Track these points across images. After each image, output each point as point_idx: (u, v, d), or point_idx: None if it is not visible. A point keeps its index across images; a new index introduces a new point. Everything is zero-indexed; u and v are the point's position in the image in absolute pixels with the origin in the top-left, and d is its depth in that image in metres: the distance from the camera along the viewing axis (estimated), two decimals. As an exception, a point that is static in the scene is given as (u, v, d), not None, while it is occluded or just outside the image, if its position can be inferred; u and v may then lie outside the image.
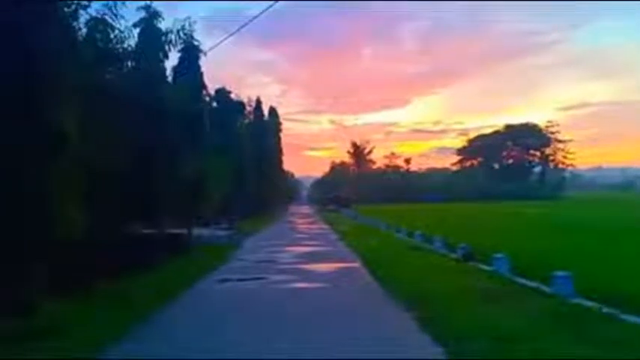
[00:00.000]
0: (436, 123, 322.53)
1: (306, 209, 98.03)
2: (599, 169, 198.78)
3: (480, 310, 8.86)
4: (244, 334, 8.22)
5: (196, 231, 23.34)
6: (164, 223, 18.52)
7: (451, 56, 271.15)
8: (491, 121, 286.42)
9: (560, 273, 10.25)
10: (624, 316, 8.08)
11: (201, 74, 22.68)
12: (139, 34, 17.66)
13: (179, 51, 21.67)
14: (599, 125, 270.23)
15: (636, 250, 15.11)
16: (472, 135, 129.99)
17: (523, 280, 11.81)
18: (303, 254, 20.46)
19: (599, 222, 28.76)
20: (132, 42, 16.42)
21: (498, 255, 13.57)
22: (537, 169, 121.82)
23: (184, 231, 21.03)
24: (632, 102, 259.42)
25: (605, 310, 8.51)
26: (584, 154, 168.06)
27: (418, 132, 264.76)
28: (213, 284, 13.49)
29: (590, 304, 9.02)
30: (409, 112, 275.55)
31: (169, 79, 20.80)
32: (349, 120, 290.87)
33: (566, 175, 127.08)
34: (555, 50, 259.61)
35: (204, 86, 23.44)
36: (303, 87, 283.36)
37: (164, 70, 19.26)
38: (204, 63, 22.70)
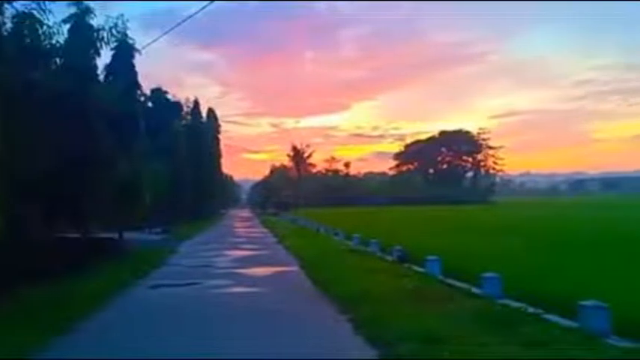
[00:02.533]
0: (374, 128, 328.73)
1: (245, 213, 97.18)
2: (528, 174, 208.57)
3: (413, 312, 9.00)
4: (172, 343, 7.94)
5: (129, 235, 22.59)
6: (94, 227, 17.81)
7: (389, 63, 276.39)
8: (427, 128, 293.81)
9: (489, 274, 10.61)
10: (548, 316, 8.43)
11: (135, 73, 22.03)
12: (69, 31, 16.95)
13: (112, 49, 20.96)
14: (528, 133, 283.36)
15: (558, 251, 15.86)
16: (409, 140, 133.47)
17: (454, 282, 12.14)
18: (240, 258, 20.21)
19: (526, 224, 30.05)
20: (61, 39, 15.76)
21: (431, 257, 13.91)
22: (469, 174, 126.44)
23: (115, 235, 20.29)
24: (558, 111, 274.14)
25: (530, 310, 8.86)
26: (513, 160, 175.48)
27: (357, 136, 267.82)
28: (145, 290, 13.06)
29: (517, 304, 9.37)
30: (349, 116, 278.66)
31: (101, 77, 20.07)
32: (289, 123, 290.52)
33: (497, 180, 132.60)
34: (486, 60, 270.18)
35: (138, 86, 22.75)
36: (243, 89, 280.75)
37: (95, 68, 18.55)
38: (140, 62, 22.09)
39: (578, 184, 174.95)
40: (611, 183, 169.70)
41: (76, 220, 16.47)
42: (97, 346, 7.82)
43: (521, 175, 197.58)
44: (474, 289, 10.83)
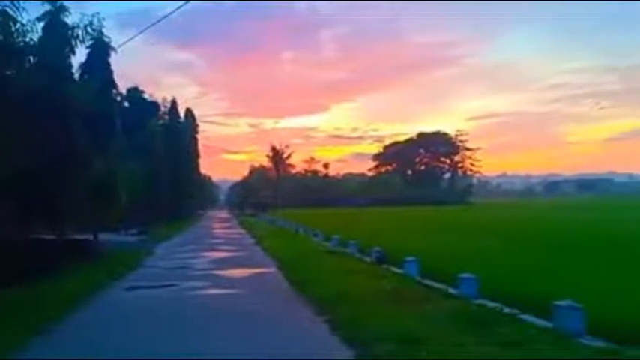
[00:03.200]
0: (354, 129, 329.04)
1: (223, 214, 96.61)
2: (504, 175, 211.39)
3: (390, 313, 9.03)
4: (147, 344, 7.83)
5: (104, 236, 22.25)
6: (69, 228, 17.50)
7: (368, 64, 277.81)
8: (406, 129, 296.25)
9: (465, 275, 10.70)
10: (524, 316, 8.53)
11: (111, 72, 21.75)
12: (44, 29, 16.67)
13: (87, 47, 20.66)
14: (504, 135, 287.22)
15: (535, 252, 16.08)
16: (387, 142, 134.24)
17: (432, 282, 12.22)
18: (217, 260, 20.07)
19: (503, 225, 30.42)
20: (35, 37, 15.46)
21: (409, 258, 13.98)
22: (447, 175, 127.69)
23: (90, 236, 19.97)
24: (533, 113, 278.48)
25: (506, 310, 8.96)
26: (490, 162, 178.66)
27: (336, 138, 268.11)
28: (120, 292, 12.88)
29: (493, 304, 9.47)
30: (328, 117, 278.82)
31: (76, 76, 19.76)
32: (268, 124, 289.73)
33: (474, 181, 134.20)
34: (463, 63, 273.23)
35: (114, 85, 22.46)
36: (222, 89, 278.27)
37: (70, 66, 18.27)
38: (117, 61, 21.82)
39: (553, 185, 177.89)
40: (585, 185, 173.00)
41: (50, 220, 16.16)
42: (73, 347, 7.69)
43: (498, 176, 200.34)
44: (451, 290, 10.91)
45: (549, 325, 7.76)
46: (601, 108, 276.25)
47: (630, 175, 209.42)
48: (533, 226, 28.94)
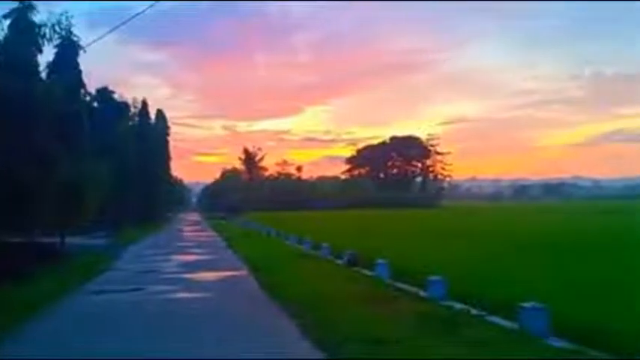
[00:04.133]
0: (327, 132, 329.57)
1: (194, 216, 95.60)
2: (474, 179, 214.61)
3: (361, 315, 9.09)
4: (112, 350, 7.68)
5: (72, 239, 21.81)
6: (35, 231, 17.09)
7: (342, 68, 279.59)
8: (379, 133, 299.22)
9: (434, 277, 10.84)
10: (491, 318, 8.68)
11: (80, 72, 21.45)
12: (9, 27, 16.33)
13: (55, 46, 20.30)
14: (474, 139, 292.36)
15: (504, 254, 16.37)
16: (360, 145, 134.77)
17: (402, 285, 12.33)
18: (187, 263, 19.85)
19: (472, 228, 30.89)
20: (0, 35, 15.12)
21: (380, 261, 14.08)
22: (419, 179, 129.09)
23: (57, 240, 19.54)
24: (502, 119, 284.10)
25: (473, 312, 9.11)
26: (460, 165, 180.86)
27: (310, 140, 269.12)
28: (87, 296, 12.61)
29: (461, 306, 9.61)
30: (301, 120, 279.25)
31: (43, 75, 19.37)
32: (242, 126, 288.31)
33: (445, 185, 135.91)
34: (435, 69, 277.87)
35: (83, 85, 22.10)
36: (195, 91, 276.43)
37: (37, 65, 17.90)
38: (87, 61, 21.55)
39: (521, 189, 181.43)
40: (551, 189, 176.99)
41: (15, 223, 15.76)
42: (36, 352, 7.51)
43: (468, 180, 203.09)
44: (421, 292, 11.03)
45: (515, 326, 7.92)
46: (569, 114, 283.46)
47: (595, 180, 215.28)
48: (502, 229, 29.43)
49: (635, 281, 10.72)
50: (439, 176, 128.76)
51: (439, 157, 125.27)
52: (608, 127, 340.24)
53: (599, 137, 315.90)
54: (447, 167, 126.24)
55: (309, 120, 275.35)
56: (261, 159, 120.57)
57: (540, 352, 6.69)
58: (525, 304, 7.82)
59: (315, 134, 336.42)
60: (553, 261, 14.32)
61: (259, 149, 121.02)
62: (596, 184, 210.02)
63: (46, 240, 18.38)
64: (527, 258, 15.11)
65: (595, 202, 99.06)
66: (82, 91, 22.80)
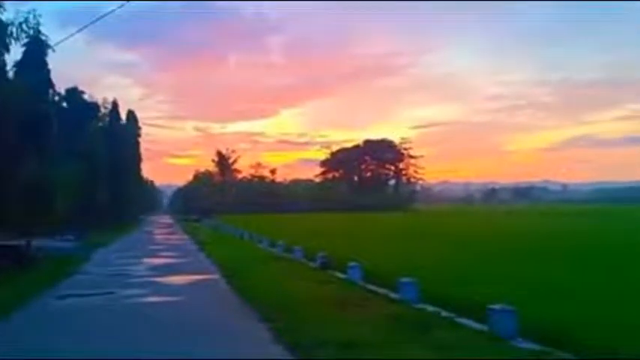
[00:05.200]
0: (301, 135, 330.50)
1: (166, 219, 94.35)
2: (446, 183, 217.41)
3: (333, 318, 9.09)
4: (77, 355, 7.50)
5: (38, 242, 21.24)
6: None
7: (316, 71, 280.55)
8: (353, 136, 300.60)
9: (406, 280, 10.88)
10: (461, 320, 8.76)
11: (48, 71, 20.96)
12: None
13: (23, 45, 19.84)
14: (446, 143, 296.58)
15: (473, 256, 16.59)
16: (334, 148, 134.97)
17: (374, 287, 12.36)
18: (158, 266, 19.55)
19: (444, 230, 31.25)
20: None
21: (352, 264, 14.10)
22: (392, 182, 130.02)
23: (23, 242, 19.02)
24: (473, 123, 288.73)
25: (444, 314, 9.18)
26: (432, 169, 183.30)
27: (284, 143, 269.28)
28: (52, 300, 12.28)
29: (432, 308, 9.67)
30: (275, 122, 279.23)
31: (10, 74, 18.90)
32: (215, 128, 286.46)
33: (417, 188, 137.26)
34: (408, 73, 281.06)
35: (51, 84, 21.63)
36: (167, 91, 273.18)
37: (4, 64, 17.46)
38: (57, 61, 21.20)
39: (491, 192, 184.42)
40: (521, 192, 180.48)
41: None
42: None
43: (440, 183, 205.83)
44: (393, 295, 11.07)
45: (485, 328, 8.00)
46: (538, 119, 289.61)
47: (563, 184, 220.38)
48: (472, 232, 29.82)
49: (594, 281, 11.01)
50: (412, 179, 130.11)
51: (412, 161, 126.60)
52: (575, 132, 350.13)
53: (567, 142, 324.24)
54: (419, 171, 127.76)
55: (284, 122, 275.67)
56: (235, 161, 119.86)
57: (508, 353, 6.78)
58: (495, 306, 7.91)
59: (290, 137, 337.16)
60: (522, 263, 14.54)
61: (233, 151, 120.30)
62: (565, 187, 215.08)
63: (10, 243, 17.85)
64: (497, 261, 15.32)
65: (563, 206, 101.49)
66: (51, 91, 22.34)
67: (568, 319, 7.69)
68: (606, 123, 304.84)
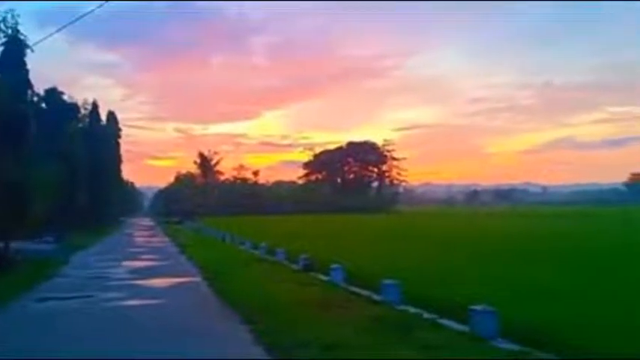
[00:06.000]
0: (284, 137, 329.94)
1: (147, 221, 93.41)
2: (428, 184, 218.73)
3: (315, 319, 9.07)
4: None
5: (16, 245, 20.89)
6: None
7: (299, 73, 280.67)
8: (336, 138, 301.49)
9: (388, 281, 10.90)
10: (443, 321, 8.81)
11: (27, 71, 20.60)
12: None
13: (1, 45, 19.50)
14: (428, 145, 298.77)
15: (456, 257, 16.70)
16: (317, 150, 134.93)
17: (357, 289, 12.36)
18: (138, 269, 19.34)
19: (426, 232, 31.42)
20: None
21: (335, 265, 14.10)
22: (375, 184, 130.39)
23: (0, 245, 18.69)
24: (456, 125, 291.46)
25: (426, 315, 9.21)
26: (415, 171, 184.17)
27: (266, 145, 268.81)
28: (30, 304, 12.08)
29: (414, 310, 9.70)
30: (258, 124, 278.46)
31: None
32: (197, 129, 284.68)
33: (400, 190, 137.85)
34: (391, 75, 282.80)
35: (30, 85, 21.27)
36: (148, 92, 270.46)
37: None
38: (35, 61, 20.71)
39: (473, 194, 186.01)
40: (502, 194, 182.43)
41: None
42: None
43: (422, 185, 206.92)
44: (375, 296, 11.08)
45: (466, 328, 8.05)
46: (519, 122, 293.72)
47: (544, 186, 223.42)
48: (455, 234, 30.03)
49: (576, 282, 11.15)
50: (395, 181, 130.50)
51: (395, 163, 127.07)
52: (556, 134, 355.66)
53: (548, 145, 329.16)
54: (402, 172, 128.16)
55: (267, 124, 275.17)
56: (217, 163, 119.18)
57: (489, 353, 6.84)
58: (476, 307, 7.96)
59: (272, 139, 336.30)
60: (503, 265, 14.67)
61: (215, 153, 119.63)
62: (545, 190, 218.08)
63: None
64: (478, 262, 15.44)
65: (543, 208, 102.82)
66: (30, 91, 21.94)
67: (549, 320, 7.76)
68: (586, 126, 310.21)
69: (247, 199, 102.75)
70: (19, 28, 19.41)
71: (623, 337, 6.82)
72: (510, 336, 7.53)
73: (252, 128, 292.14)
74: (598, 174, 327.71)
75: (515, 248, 19.59)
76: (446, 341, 7.44)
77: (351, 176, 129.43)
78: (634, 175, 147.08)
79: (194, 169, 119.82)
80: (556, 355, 6.75)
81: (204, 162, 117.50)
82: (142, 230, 57.85)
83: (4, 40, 19.44)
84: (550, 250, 18.78)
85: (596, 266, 14.05)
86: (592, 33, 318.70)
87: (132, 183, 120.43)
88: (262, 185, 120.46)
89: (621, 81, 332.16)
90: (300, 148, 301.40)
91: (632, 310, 8.37)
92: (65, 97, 38.87)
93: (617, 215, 53.68)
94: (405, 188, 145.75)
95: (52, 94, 36.04)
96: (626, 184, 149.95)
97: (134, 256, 24.84)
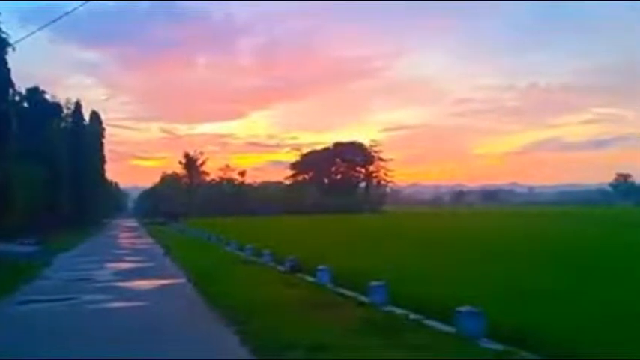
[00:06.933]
0: (271, 137, 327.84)
1: (131, 222, 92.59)
2: (415, 185, 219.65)
3: (301, 321, 9.02)
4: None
5: (-4, 247, 20.57)
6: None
7: (286, 73, 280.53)
8: (323, 139, 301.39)
9: (375, 283, 10.86)
10: (429, 322, 8.78)
11: (8, 70, 20.27)
12: None
13: (-19, 42, 19.16)
14: (415, 146, 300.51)
15: (441, 257, 16.69)
16: (305, 151, 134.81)
17: (344, 290, 12.30)
18: (122, 271, 19.12)
19: (412, 232, 31.49)
20: None
21: (321, 267, 14.02)
22: (362, 184, 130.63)
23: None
24: (442, 127, 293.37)
25: (412, 316, 9.18)
26: (402, 172, 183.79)
27: (253, 145, 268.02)
28: (12, 306, 11.87)
29: (401, 311, 9.66)
30: (244, 124, 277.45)
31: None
32: (182, 129, 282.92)
33: (387, 190, 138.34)
34: (379, 76, 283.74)
35: (11, 83, 20.94)
36: (133, 92, 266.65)
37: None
38: (17, 60, 20.40)
39: (459, 195, 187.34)
40: (488, 195, 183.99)
41: None
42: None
43: (409, 186, 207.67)
44: (362, 298, 11.03)
45: (452, 329, 8.03)
46: (505, 123, 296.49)
47: (530, 187, 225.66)
48: (441, 234, 30.12)
49: (561, 282, 11.19)
50: (382, 182, 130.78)
51: (382, 164, 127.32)
52: (542, 135, 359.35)
53: (534, 146, 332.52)
54: (389, 173, 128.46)
55: (253, 124, 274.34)
56: (203, 163, 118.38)
57: (474, 354, 6.83)
58: (462, 308, 7.94)
59: (259, 139, 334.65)
60: (489, 264, 14.68)
61: (201, 153, 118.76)
62: (531, 190, 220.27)
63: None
64: (466, 262, 15.44)
65: (529, 208, 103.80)
66: (11, 90, 21.60)
67: (534, 320, 7.76)
68: (572, 127, 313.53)
69: (234, 199, 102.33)
70: (0, 26, 19.07)
71: (607, 336, 6.84)
72: (495, 336, 7.52)
73: (239, 128, 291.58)
74: (584, 174, 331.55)
75: (501, 249, 19.60)
76: (431, 342, 7.44)
77: (338, 177, 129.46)
78: (619, 175, 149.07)
79: (179, 170, 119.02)
80: (538, 355, 6.75)
81: (190, 162, 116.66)
82: (125, 231, 57.30)
83: (-16, 38, 19.06)
84: (536, 250, 18.84)
85: (583, 265, 14.08)
86: (577, 34, 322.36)
87: (116, 183, 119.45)
88: (249, 186, 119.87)
89: (606, 82, 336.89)
90: (287, 149, 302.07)
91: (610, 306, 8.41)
92: (48, 97, 38.40)
93: (600, 216, 54.27)
94: (392, 189, 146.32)
95: (35, 93, 35.55)
96: (612, 185, 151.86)
97: (118, 258, 24.57)
